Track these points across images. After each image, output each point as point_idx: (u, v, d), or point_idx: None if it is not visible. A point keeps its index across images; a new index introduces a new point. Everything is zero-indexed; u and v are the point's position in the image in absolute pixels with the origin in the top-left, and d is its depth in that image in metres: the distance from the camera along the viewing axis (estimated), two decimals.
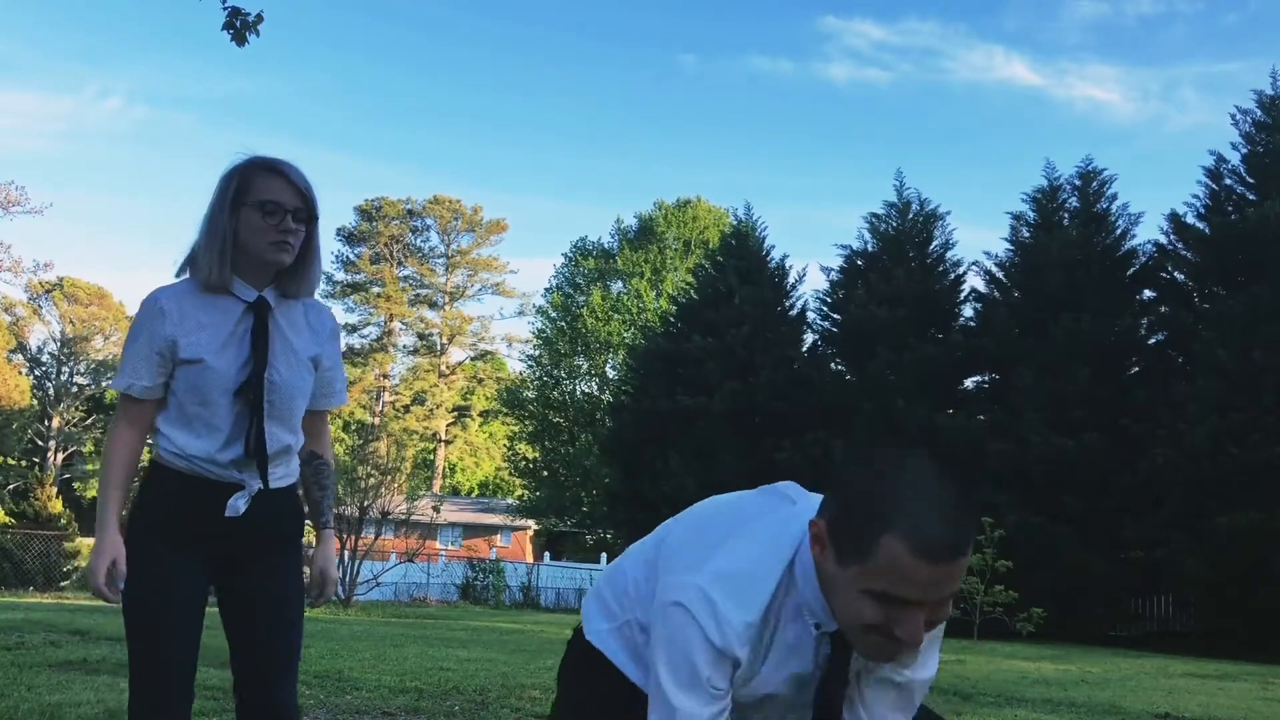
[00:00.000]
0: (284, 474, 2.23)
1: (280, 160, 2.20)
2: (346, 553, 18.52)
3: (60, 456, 48.00)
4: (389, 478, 20.65)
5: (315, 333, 2.28)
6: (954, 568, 1.41)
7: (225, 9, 5.73)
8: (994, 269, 22.24)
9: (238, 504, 2.14)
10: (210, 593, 2.21)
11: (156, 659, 2.09)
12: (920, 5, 69.14)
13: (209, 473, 2.13)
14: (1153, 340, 20.71)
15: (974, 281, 23.15)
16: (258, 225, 2.13)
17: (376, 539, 21.37)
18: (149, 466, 2.21)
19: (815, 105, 71.89)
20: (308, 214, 2.19)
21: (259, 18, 5.76)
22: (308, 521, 2.39)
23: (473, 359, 52.78)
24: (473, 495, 56.92)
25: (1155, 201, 72.50)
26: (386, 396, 50.89)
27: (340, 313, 60.98)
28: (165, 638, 2.09)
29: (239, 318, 2.16)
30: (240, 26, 5.72)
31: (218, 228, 2.14)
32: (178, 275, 2.22)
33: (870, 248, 23.53)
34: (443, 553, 33.98)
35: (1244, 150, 19.51)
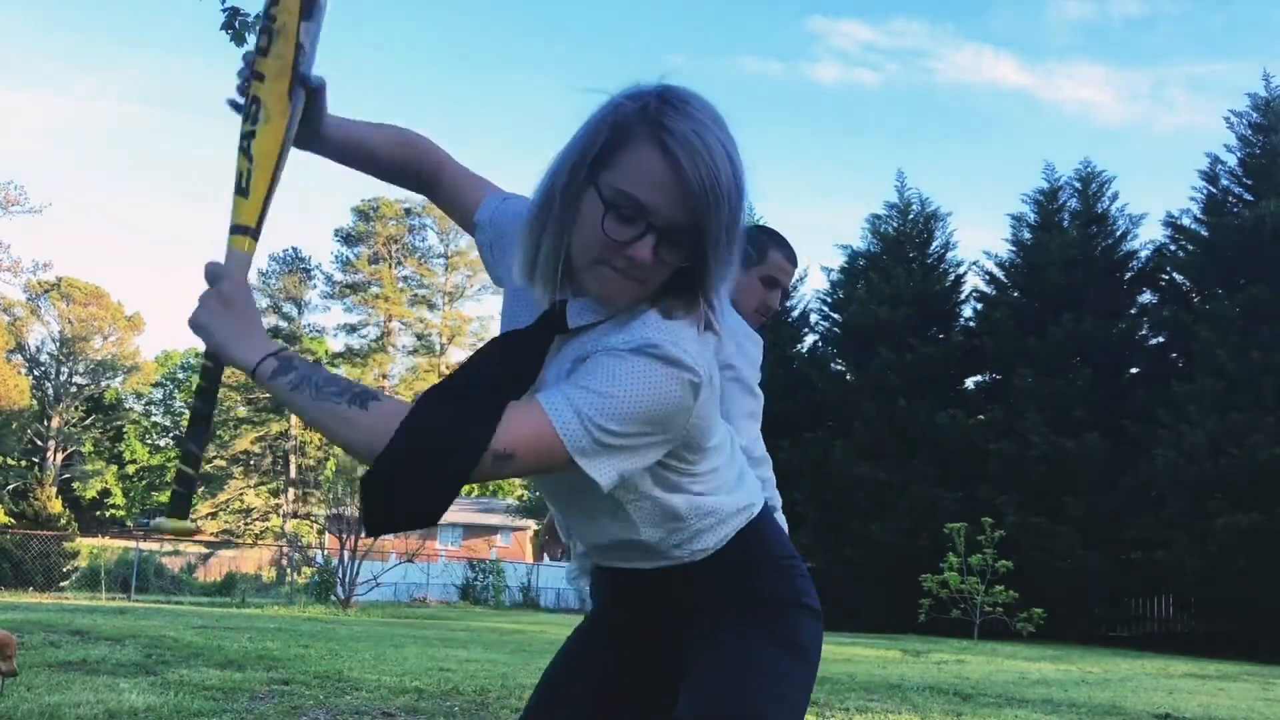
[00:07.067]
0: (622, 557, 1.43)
1: (686, 130, 1.17)
2: (346, 552, 18.54)
3: (59, 456, 47.96)
4: None
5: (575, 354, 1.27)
6: None
7: (224, 9, 5.70)
8: (995, 269, 22.27)
9: (580, 580, 1.62)
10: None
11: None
12: (907, 6, 69.30)
13: None
14: (1153, 341, 20.73)
15: (975, 281, 23.19)
16: (592, 230, 1.20)
17: (376, 539, 21.36)
18: None
19: (806, 106, 71.96)
20: (688, 231, 1.18)
21: (259, 17, 5.73)
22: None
23: None
24: (472, 495, 56.90)
25: (1147, 201, 72.63)
26: None
27: (339, 313, 61.04)
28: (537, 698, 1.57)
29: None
30: (239, 27, 5.68)
31: (544, 201, 1.25)
32: None
33: (871, 248, 23.55)
34: (442, 553, 33.97)
35: (1240, 152, 19.54)
